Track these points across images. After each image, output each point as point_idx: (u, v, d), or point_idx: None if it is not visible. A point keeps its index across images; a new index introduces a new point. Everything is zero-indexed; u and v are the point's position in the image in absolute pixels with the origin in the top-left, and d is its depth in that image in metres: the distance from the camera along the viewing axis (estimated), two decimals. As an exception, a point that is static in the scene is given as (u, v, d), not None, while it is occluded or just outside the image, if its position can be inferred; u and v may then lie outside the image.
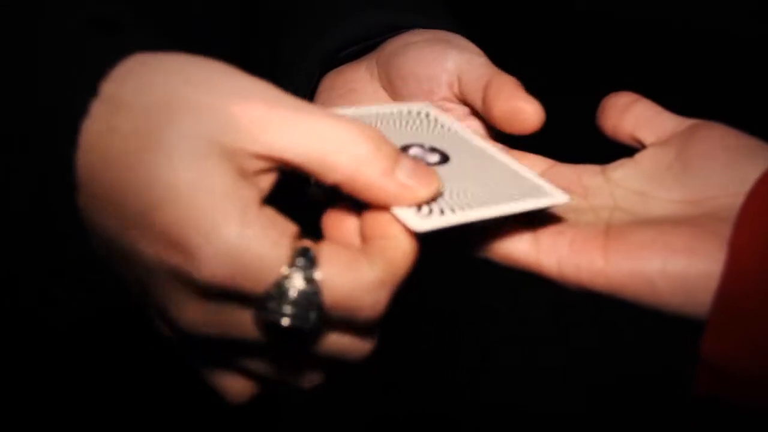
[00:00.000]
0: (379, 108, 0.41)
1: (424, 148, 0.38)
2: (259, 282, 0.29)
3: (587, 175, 0.41)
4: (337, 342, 0.32)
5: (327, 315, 0.30)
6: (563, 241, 0.36)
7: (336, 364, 0.34)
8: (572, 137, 1.29)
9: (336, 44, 0.49)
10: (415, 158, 0.35)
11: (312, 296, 0.29)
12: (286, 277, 0.29)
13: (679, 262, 0.33)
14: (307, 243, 0.30)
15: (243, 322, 0.30)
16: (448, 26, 0.48)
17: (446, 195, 0.34)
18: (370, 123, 0.38)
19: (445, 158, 0.38)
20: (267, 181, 0.31)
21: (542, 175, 0.42)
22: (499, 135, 0.45)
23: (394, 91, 0.46)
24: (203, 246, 0.28)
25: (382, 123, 0.40)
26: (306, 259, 0.29)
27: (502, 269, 0.38)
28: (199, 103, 0.29)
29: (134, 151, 0.29)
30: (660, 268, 0.34)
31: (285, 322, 0.29)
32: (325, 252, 0.30)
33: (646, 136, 0.40)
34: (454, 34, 0.47)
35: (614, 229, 0.36)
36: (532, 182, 0.37)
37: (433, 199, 0.32)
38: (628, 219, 0.37)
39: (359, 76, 0.46)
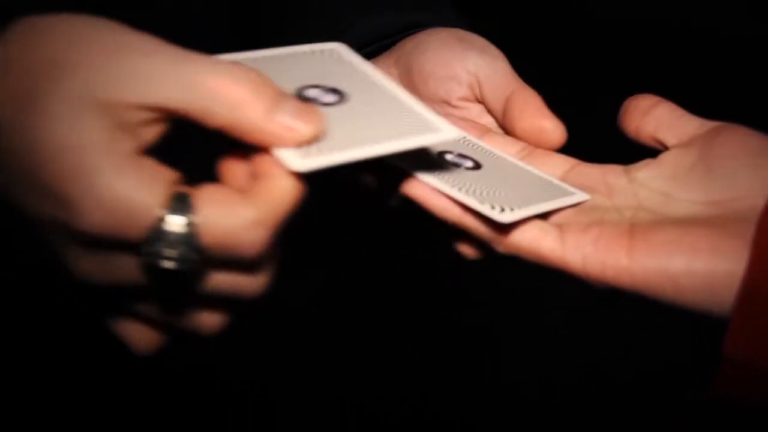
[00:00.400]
0: (281, 50, 0.39)
1: (323, 88, 0.37)
2: (138, 228, 0.30)
3: (611, 175, 0.41)
4: (224, 281, 0.33)
5: (206, 255, 0.31)
6: (588, 239, 0.36)
7: (230, 304, 0.35)
8: (575, 137, 1.29)
9: (353, 44, 0.49)
10: (306, 99, 0.35)
11: (189, 237, 0.30)
12: (162, 220, 0.30)
13: (704, 262, 0.34)
14: (184, 188, 0.31)
15: (130, 268, 0.31)
16: (462, 26, 0.49)
17: (334, 135, 0.33)
18: (266, 66, 0.37)
19: (342, 98, 0.36)
20: (151, 132, 0.31)
21: (566, 174, 0.42)
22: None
23: (413, 90, 0.46)
24: (80, 198, 0.29)
25: (281, 64, 0.38)
26: (182, 203, 0.30)
27: (510, 268, 0.38)
28: (78, 61, 0.30)
29: (16, 113, 0.30)
30: (685, 267, 0.34)
31: (165, 264, 0.30)
32: (202, 195, 0.31)
33: (669, 138, 0.41)
34: (472, 33, 0.48)
35: (638, 228, 0.36)
36: (426, 119, 0.36)
37: (317, 138, 0.32)
38: (651, 219, 0.38)
39: None
